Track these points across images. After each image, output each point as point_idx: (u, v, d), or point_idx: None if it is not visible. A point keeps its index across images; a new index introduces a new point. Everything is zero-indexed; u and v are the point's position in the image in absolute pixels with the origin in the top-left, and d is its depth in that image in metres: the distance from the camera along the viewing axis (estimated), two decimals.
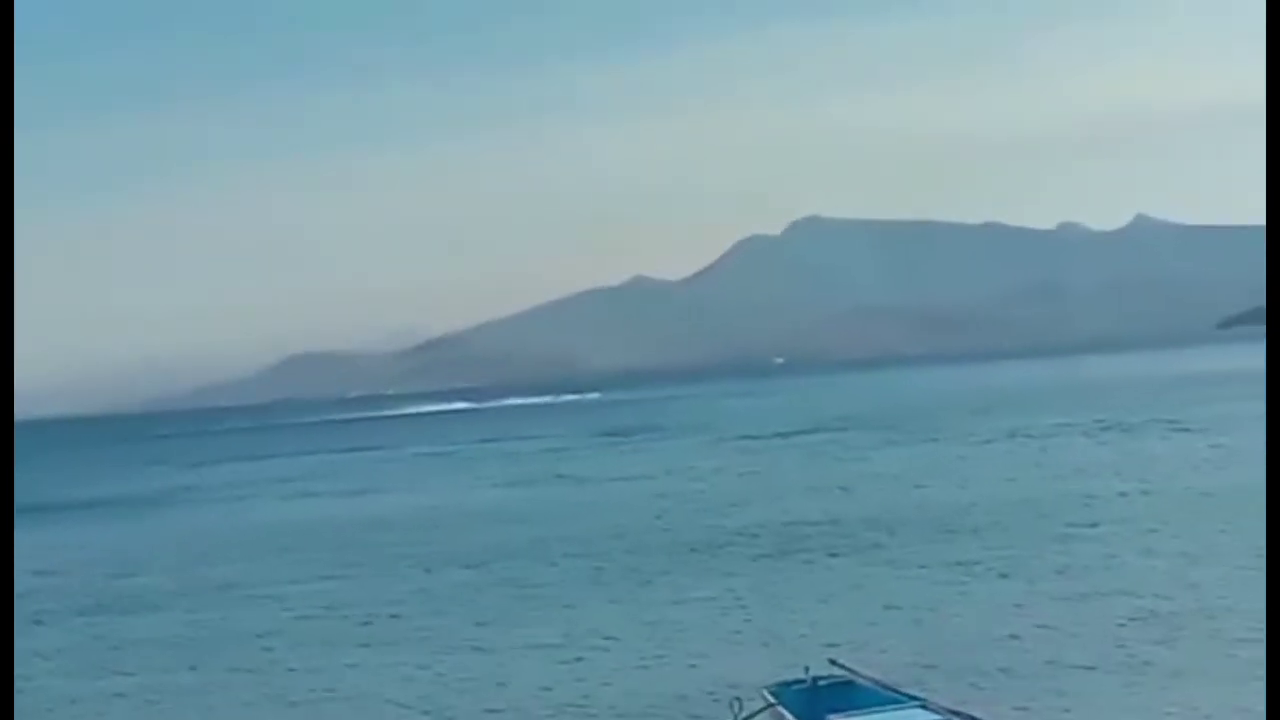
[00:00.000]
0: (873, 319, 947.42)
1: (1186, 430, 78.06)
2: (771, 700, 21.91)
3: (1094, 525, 44.94)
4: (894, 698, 21.29)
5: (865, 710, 20.66)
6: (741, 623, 33.82)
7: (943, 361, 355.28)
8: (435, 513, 66.22)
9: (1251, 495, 48.04)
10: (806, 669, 22.73)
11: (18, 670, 30.10)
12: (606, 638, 33.15)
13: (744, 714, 21.78)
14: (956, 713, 20.49)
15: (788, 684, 22.51)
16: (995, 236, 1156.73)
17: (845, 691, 21.97)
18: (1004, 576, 36.88)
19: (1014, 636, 29.68)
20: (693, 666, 29.43)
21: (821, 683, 22.40)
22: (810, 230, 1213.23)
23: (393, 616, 38.85)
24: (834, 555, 43.39)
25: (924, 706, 20.75)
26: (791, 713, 21.39)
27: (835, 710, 20.70)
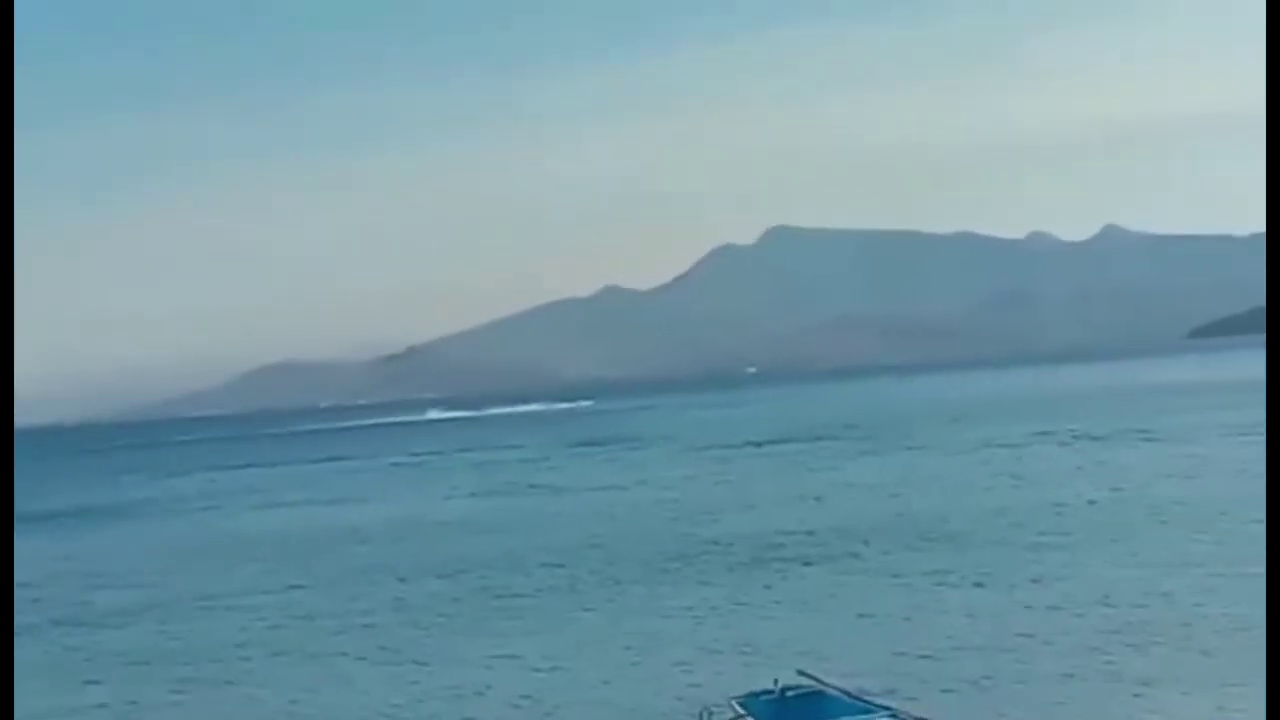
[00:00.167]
0: (845, 328, 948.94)
1: (1158, 440, 78.40)
2: (740, 710, 21.91)
3: (1067, 534, 45.11)
4: (862, 707, 21.34)
5: (834, 719, 20.60)
6: (717, 632, 33.83)
7: (915, 371, 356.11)
8: (409, 523, 66.04)
9: (1221, 504, 48.42)
10: (775, 680, 22.75)
11: None
12: (582, 647, 33.14)
13: None
14: None
15: (756, 694, 22.52)
16: (967, 246, 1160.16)
17: (814, 701, 22.00)
18: (979, 586, 36.96)
19: (989, 645, 29.74)
20: (667, 676, 29.42)
21: (790, 693, 22.43)
22: (782, 239, 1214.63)
23: (366, 626, 38.76)
24: (808, 565, 43.43)
25: (894, 715, 20.75)
26: None
27: (805, 719, 20.73)
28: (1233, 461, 62.78)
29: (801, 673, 23.41)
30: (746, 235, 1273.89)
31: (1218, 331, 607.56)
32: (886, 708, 21.37)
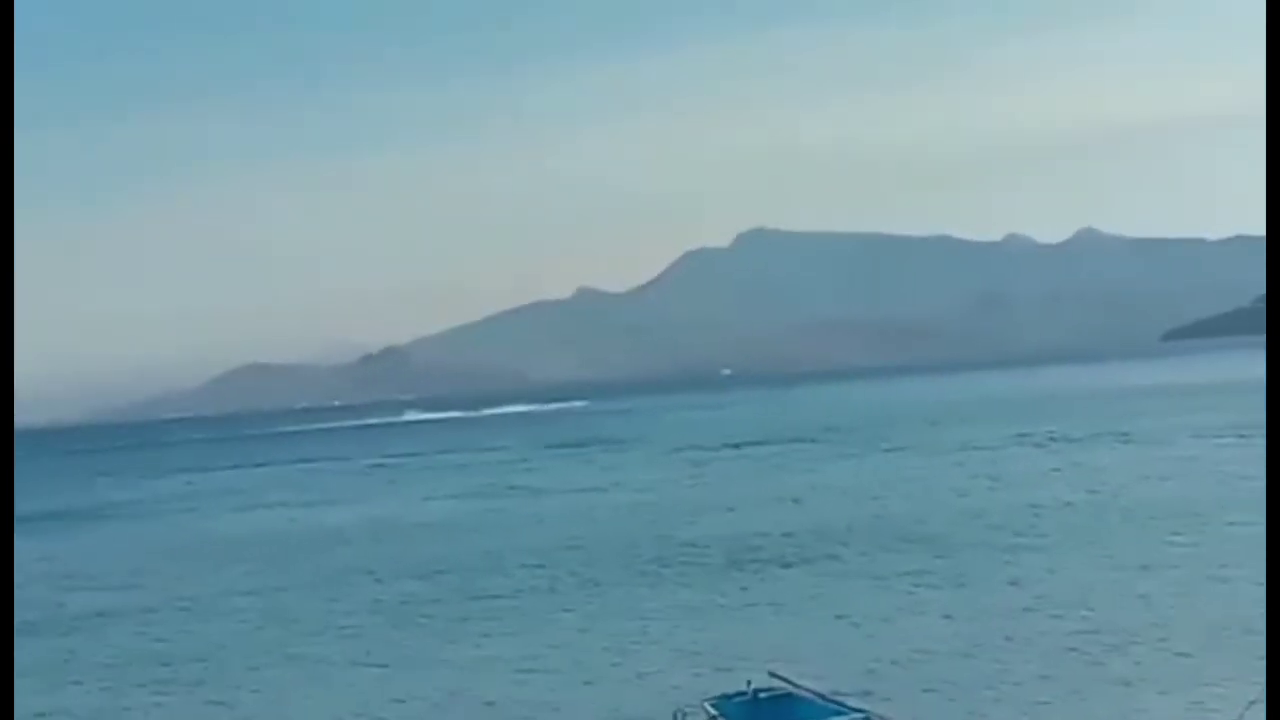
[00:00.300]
0: (821, 331, 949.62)
1: (1133, 442, 78.73)
2: (713, 712, 21.96)
3: (1044, 536, 45.31)
4: (834, 709, 21.37)
5: None
6: (695, 633, 33.90)
7: (892, 373, 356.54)
8: (387, 524, 66.01)
9: (1197, 505, 48.70)
10: (748, 681, 22.84)
11: None
12: (560, 648, 33.19)
13: None
14: None
15: (729, 696, 22.57)
16: (943, 248, 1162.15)
17: (786, 703, 22.05)
18: (957, 587, 37.09)
19: (967, 647, 29.88)
20: (646, 677, 29.49)
21: (762, 694, 22.49)
22: (758, 242, 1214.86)
23: (346, 628, 38.76)
24: (786, 566, 43.55)
25: (867, 717, 20.82)
26: None
27: None
28: (1207, 464, 63.18)
29: (773, 674, 23.48)
30: (722, 238, 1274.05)
31: (1191, 334, 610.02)
32: (860, 710, 21.35)
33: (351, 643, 36.46)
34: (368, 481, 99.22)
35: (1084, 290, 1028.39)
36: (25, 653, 39.23)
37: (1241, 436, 74.69)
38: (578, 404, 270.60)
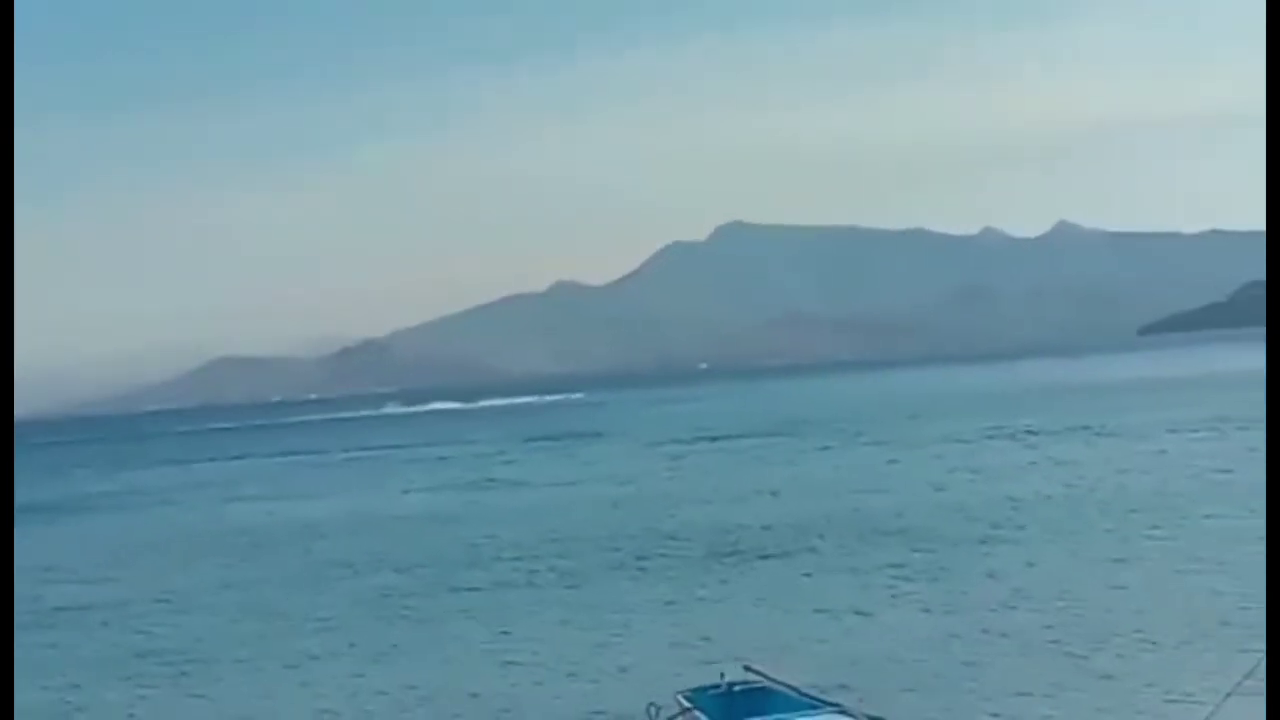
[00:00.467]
0: (798, 324, 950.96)
1: (1110, 436, 79.03)
2: (687, 705, 21.94)
3: (1022, 528, 45.49)
4: (809, 703, 21.31)
5: (782, 715, 20.66)
6: (675, 626, 33.99)
7: (868, 367, 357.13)
8: (366, 517, 65.96)
9: (1174, 499, 48.95)
10: (722, 674, 22.89)
11: None
12: (541, 641, 33.23)
13: (661, 718, 21.84)
14: (874, 718, 20.54)
15: (703, 689, 22.55)
16: (920, 242, 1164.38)
17: (761, 697, 22.04)
18: (935, 580, 37.23)
19: (946, 640, 30.00)
20: (627, 669, 29.56)
21: (736, 688, 22.52)
22: (735, 235, 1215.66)
23: (325, 621, 38.76)
24: (766, 558, 43.67)
25: (842, 712, 20.74)
26: (708, 717, 21.43)
27: (753, 715, 20.72)
28: (1183, 458, 63.44)
29: (748, 668, 23.50)
30: (699, 231, 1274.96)
31: (1166, 328, 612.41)
32: (833, 704, 21.28)
33: (332, 635, 36.46)
34: (345, 474, 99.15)
35: (1060, 284, 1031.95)
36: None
37: (1217, 431, 75.07)
38: (556, 397, 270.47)
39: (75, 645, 38.36)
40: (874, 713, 21.81)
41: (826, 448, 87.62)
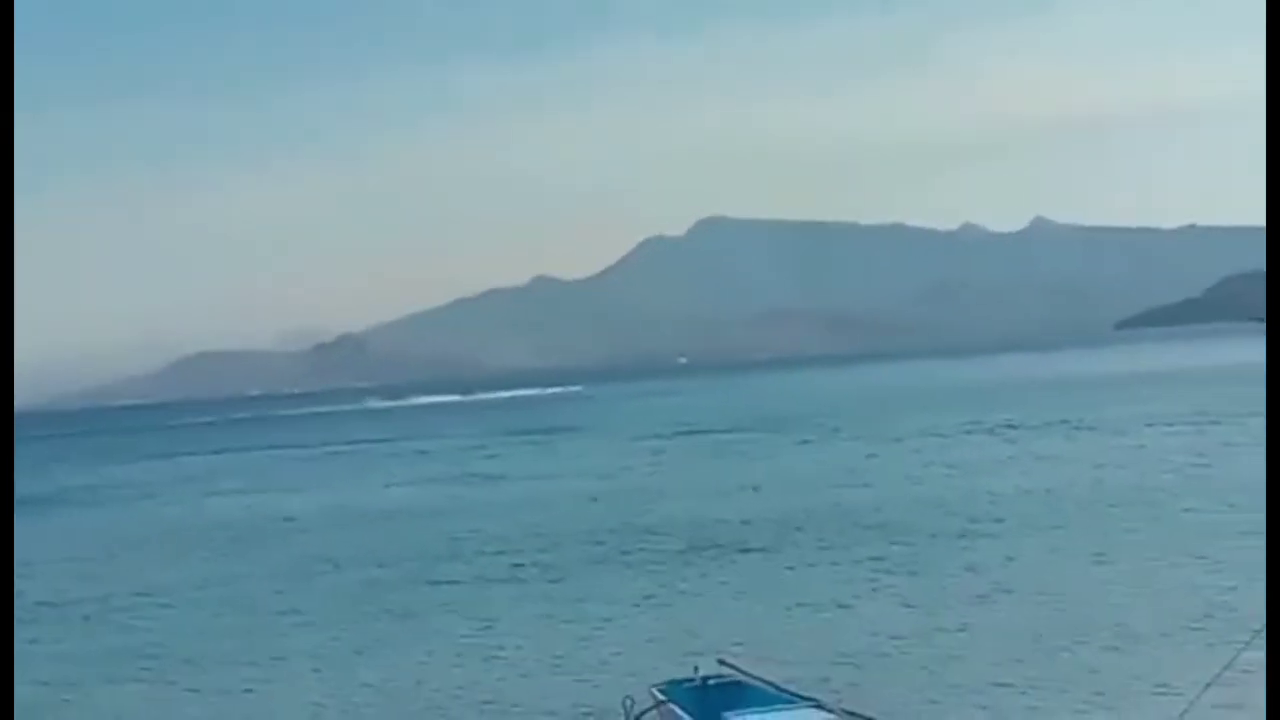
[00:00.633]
0: (776, 319, 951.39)
1: (1088, 430, 79.32)
2: (661, 698, 21.99)
3: (1000, 522, 45.67)
4: (783, 697, 21.36)
5: (760, 709, 20.74)
6: (656, 619, 34.08)
7: (847, 362, 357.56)
8: (346, 511, 65.91)
9: (1153, 493, 49.18)
10: (696, 668, 22.96)
11: None
12: (524, 635, 33.31)
13: (636, 711, 21.90)
14: (851, 713, 20.61)
15: (678, 682, 22.62)
16: (898, 237, 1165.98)
17: (736, 691, 22.08)
18: (915, 574, 37.36)
19: (924, 631, 30.15)
20: (609, 662, 29.63)
21: (711, 682, 22.57)
22: (713, 230, 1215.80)
23: (306, 615, 38.79)
24: (746, 551, 43.80)
25: (819, 706, 20.80)
26: (684, 711, 21.50)
27: (729, 709, 20.77)
28: (1161, 452, 63.75)
29: (722, 662, 23.58)
30: (677, 226, 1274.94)
31: (1143, 323, 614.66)
32: (810, 698, 21.31)
33: (315, 629, 36.48)
34: (325, 468, 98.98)
35: (1039, 279, 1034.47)
36: None
37: (1194, 426, 75.43)
38: (535, 391, 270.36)
39: (57, 640, 38.30)
40: (855, 706, 21.92)
41: (806, 442, 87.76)
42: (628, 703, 21.92)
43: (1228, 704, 20.94)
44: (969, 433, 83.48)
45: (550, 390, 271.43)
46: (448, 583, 42.13)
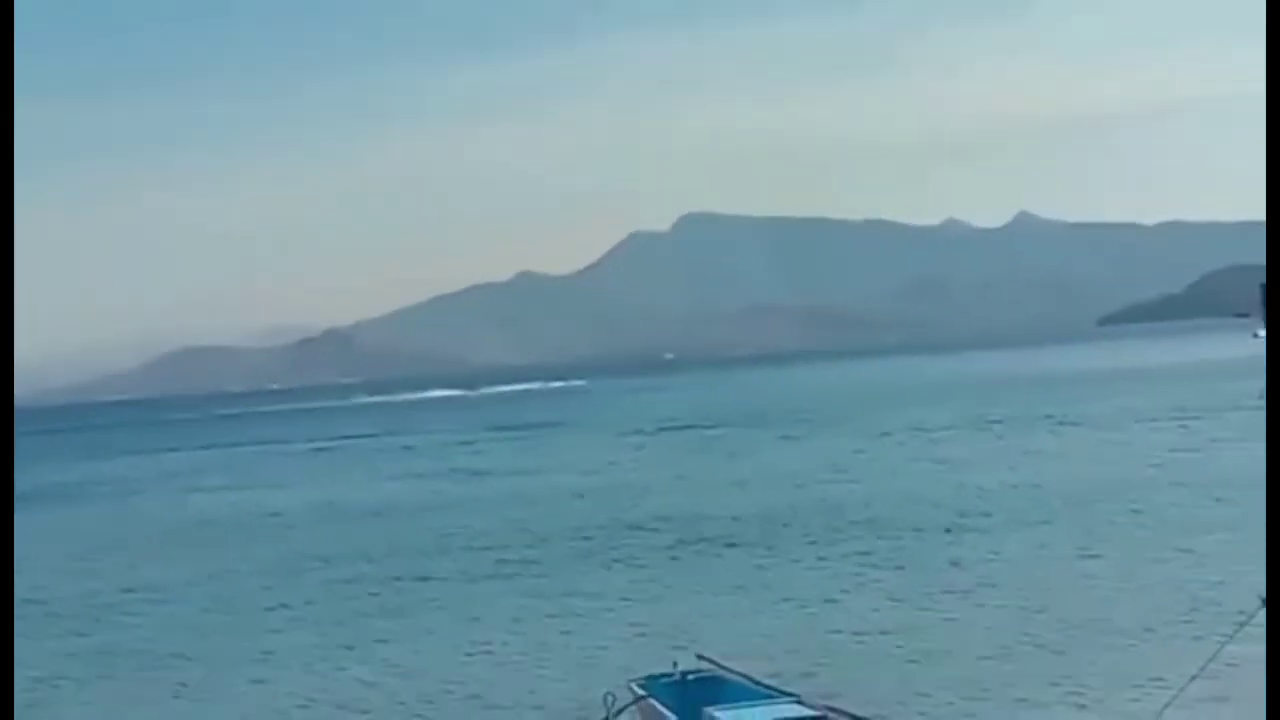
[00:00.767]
0: (760, 314, 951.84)
1: (1072, 426, 79.56)
2: (641, 693, 21.99)
3: (987, 516, 45.80)
4: (764, 693, 21.34)
5: (740, 704, 20.70)
6: (643, 614, 34.10)
7: (831, 357, 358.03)
8: (332, 507, 65.90)
9: (1139, 488, 49.35)
10: (674, 662, 22.99)
11: None
12: (511, 631, 33.34)
13: (617, 706, 21.94)
14: (831, 708, 20.58)
15: (656, 677, 22.60)
16: (882, 232, 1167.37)
17: (715, 685, 22.10)
18: (901, 569, 37.46)
19: (910, 625, 30.24)
20: (594, 657, 29.65)
21: (690, 676, 22.58)
22: (697, 225, 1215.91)
23: (293, 611, 38.79)
24: (732, 547, 43.87)
25: (798, 702, 20.75)
26: (663, 706, 21.47)
27: (709, 703, 20.73)
28: (1145, 448, 63.97)
29: (700, 656, 23.62)
30: (661, 222, 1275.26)
31: (1125, 319, 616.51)
32: (789, 693, 21.27)
33: (302, 625, 36.46)
34: (309, 464, 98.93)
35: (1021, 275, 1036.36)
36: None
37: (1178, 421, 75.70)
38: (520, 387, 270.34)
39: (43, 638, 38.23)
40: (843, 700, 21.98)
41: (791, 438, 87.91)
42: (609, 699, 21.92)
43: (1213, 697, 21.09)
44: (954, 428, 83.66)
45: (535, 385, 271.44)
46: (436, 579, 42.12)
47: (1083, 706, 23.19)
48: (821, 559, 40.14)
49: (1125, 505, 45.41)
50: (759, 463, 71.78)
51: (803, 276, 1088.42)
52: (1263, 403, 14.25)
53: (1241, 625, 18.17)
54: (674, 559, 42.40)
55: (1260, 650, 19.79)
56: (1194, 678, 19.39)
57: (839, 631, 30.39)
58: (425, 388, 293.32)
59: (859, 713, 20.53)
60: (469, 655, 31.03)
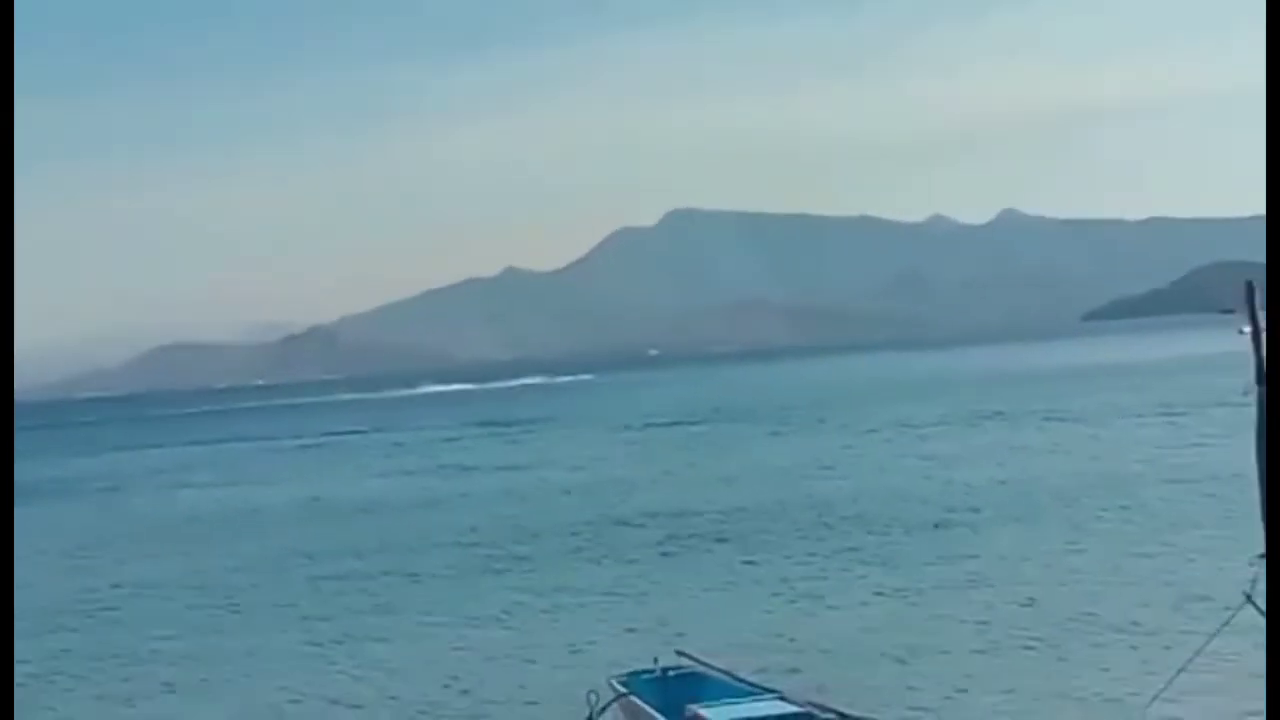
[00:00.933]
0: (746, 310, 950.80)
1: (1061, 420, 79.72)
2: (621, 690, 21.99)
3: (976, 511, 45.90)
4: (745, 689, 21.38)
5: (724, 700, 20.70)
6: (632, 610, 34.16)
7: (818, 353, 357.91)
8: (319, 503, 65.84)
9: (1125, 482, 49.51)
10: (655, 659, 23.01)
11: None
12: (502, 626, 33.39)
13: (600, 705, 21.93)
14: (814, 703, 20.61)
15: (636, 674, 22.63)
16: (867, 229, 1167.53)
17: (697, 681, 22.12)
18: (890, 565, 37.54)
19: (899, 621, 30.34)
20: (583, 652, 29.68)
21: (670, 673, 22.60)
22: (684, 222, 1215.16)
23: (277, 605, 38.84)
24: (722, 542, 43.94)
25: (781, 698, 20.78)
26: (646, 702, 21.49)
27: (692, 700, 20.76)
28: (1131, 442, 64.16)
29: (680, 653, 23.63)
30: (648, 217, 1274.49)
31: (1110, 315, 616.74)
32: (771, 690, 21.23)
33: (292, 622, 36.47)
34: (296, 460, 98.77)
35: (1006, 271, 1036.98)
36: None
37: (1163, 416, 75.93)
38: (506, 383, 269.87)
39: (33, 636, 38.20)
40: (834, 695, 22.03)
41: (778, 434, 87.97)
42: (592, 698, 21.92)
43: (1202, 689, 21.22)
44: (941, 424, 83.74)
45: (521, 382, 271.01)
46: (427, 575, 42.12)
47: (1071, 699, 23.31)
48: (811, 555, 40.21)
49: (1113, 500, 45.55)
50: (747, 460, 71.76)
51: (789, 273, 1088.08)
52: (1247, 399, 14.30)
53: (1226, 621, 18.29)
54: (664, 555, 42.47)
55: (1245, 645, 20.05)
56: (1181, 670, 19.54)
57: (828, 627, 30.48)
58: (411, 384, 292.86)
59: (844, 709, 20.57)
60: (461, 651, 31.07)
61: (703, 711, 20.09)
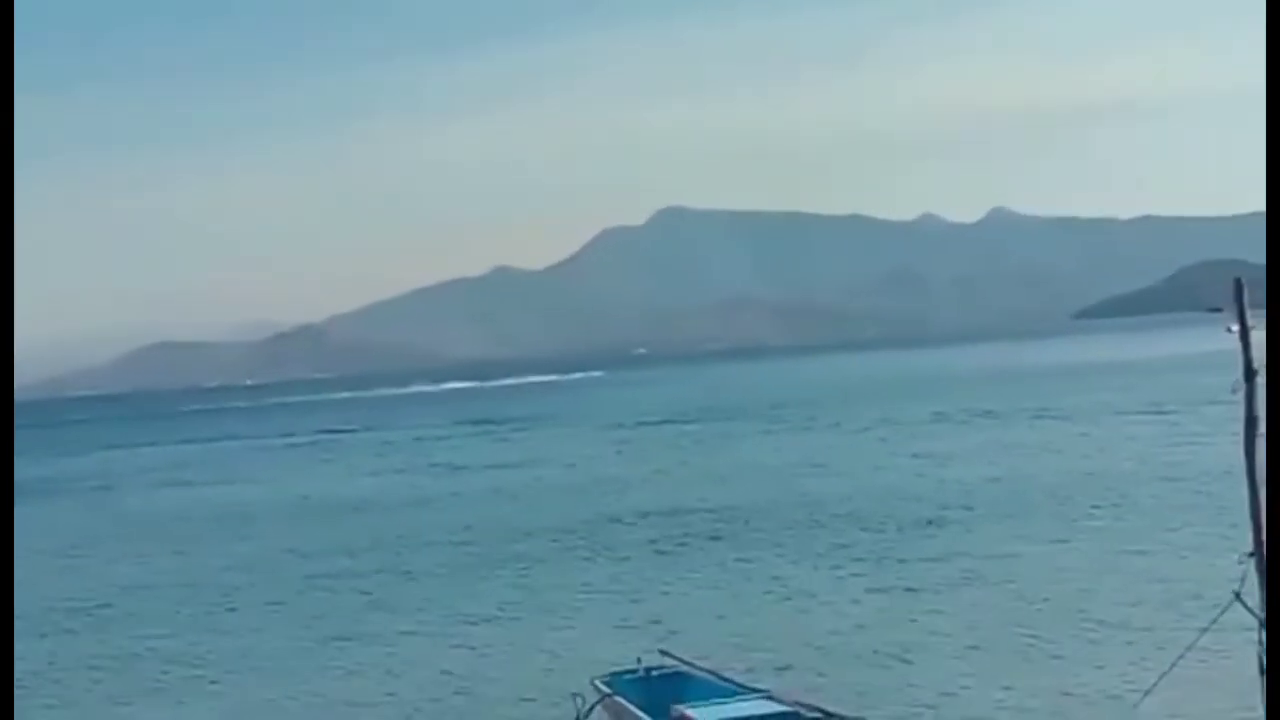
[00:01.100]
0: (735, 309, 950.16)
1: (1053, 418, 79.82)
2: (605, 690, 21.99)
3: (969, 509, 45.98)
4: (729, 688, 21.38)
5: (710, 700, 20.69)
6: (625, 608, 34.20)
7: (807, 352, 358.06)
8: (310, 502, 65.80)
9: (1117, 480, 49.62)
10: (639, 659, 23.00)
11: None
12: (496, 624, 33.43)
13: (586, 707, 21.90)
14: (802, 703, 20.64)
15: (620, 674, 22.62)
16: (858, 227, 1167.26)
17: (682, 681, 22.13)
18: (883, 562, 37.63)
19: (893, 618, 30.42)
20: (576, 650, 29.72)
21: (654, 672, 22.59)
22: (673, 220, 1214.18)
23: (270, 603, 38.85)
24: (715, 539, 43.99)
25: (769, 696, 20.80)
26: (631, 702, 21.48)
27: (678, 700, 20.76)
28: (1121, 440, 64.28)
29: (664, 652, 23.62)
30: (637, 216, 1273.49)
31: (1101, 313, 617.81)
32: (759, 689, 21.25)
33: (286, 620, 36.49)
34: (286, 459, 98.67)
35: (997, 269, 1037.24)
36: None
37: (1154, 414, 76.06)
38: (495, 382, 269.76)
39: (28, 638, 38.18)
40: (827, 693, 22.09)
41: (770, 432, 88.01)
42: (578, 700, 21.91)
43: (1195, 681, 21.33)
44: (932, 422, 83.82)
45: (511, 381, 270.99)
46: (420, 574, 42.13)
47: (1065, 694, 23.42)
48: (803, 553, 40.26)
49: (1105, 498, 45.66)
50: (739, 458, 71.83)
51: (779, 271, 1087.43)
52: (1236, 397, 14.39)
53: (1215, 619, 18.40)
54: (657, 553, 42.49)
55: (1235, 641, 20.16)
56: (1173, 665, 19.62)
57: (821, 624, 30.53)
58: (402, 383, 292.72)
59: (831, 708, 20.59)
60: (456, 649, 31.10)
61: (689, 711, 20.05)
